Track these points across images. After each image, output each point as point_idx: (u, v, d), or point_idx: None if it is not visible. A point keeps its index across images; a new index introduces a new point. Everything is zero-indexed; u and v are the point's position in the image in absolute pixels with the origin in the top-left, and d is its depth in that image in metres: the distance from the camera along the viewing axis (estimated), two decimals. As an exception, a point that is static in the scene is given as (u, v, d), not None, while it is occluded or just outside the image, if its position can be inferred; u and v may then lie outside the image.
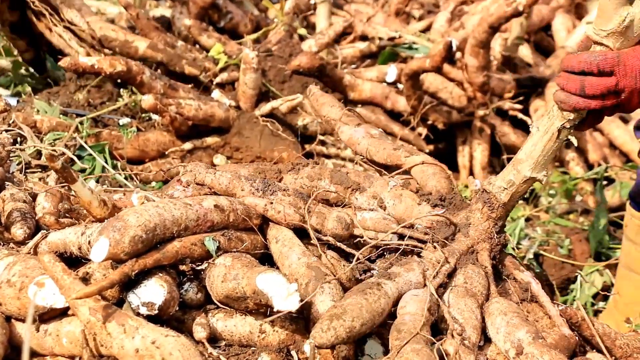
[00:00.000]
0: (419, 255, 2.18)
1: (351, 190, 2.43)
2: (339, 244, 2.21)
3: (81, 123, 3.60)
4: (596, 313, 3.47)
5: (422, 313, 1.90)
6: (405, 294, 2.01)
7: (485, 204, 2.20)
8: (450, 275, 2.13)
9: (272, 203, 2.24)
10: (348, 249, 2.21)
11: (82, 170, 3.31)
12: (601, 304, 3.67)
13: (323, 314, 1.93)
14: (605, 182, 4.50)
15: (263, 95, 4.19)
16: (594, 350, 2.08)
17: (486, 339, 2.03)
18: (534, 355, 1.84)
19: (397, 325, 1.89)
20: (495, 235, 2.22)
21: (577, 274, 3.71)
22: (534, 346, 1.86)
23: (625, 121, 5.00)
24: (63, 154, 2.93)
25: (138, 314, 1.93)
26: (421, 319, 1.88)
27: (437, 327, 2.00)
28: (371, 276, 2.14)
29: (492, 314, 2.02)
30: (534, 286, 2.17)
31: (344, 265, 2.16)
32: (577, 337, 2.02)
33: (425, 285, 2.05)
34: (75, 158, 2.55)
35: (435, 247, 2.16)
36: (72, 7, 4.02)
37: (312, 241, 2.21)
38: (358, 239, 2.25)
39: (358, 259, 2.13)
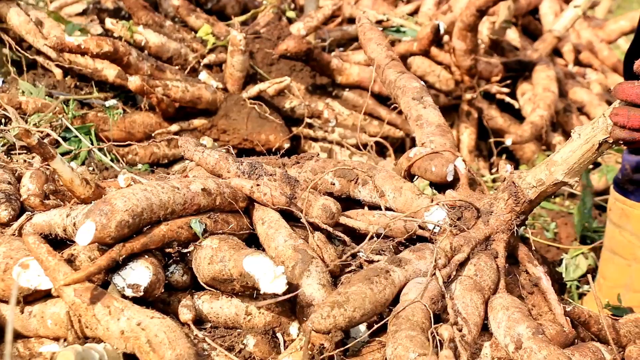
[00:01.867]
0: (434, 241, 2.18)
1: (354, 183, 2.43)
2: (325, 226, 2.22)
3: (67, 105, 3.58)
4: (581, 296, 3.50)
5: (424, 301, 1.89)
6: (411, 281, 2.00)
7: (511, 196, 2.17)
8: (462, 263, 2.11)
9: (258, 185, 2.24)
10: (336, 232, 2.21)
11: (68, 153, 3.29)
12: (586, 287, 3.69)
13: (310, 297, 1.94)
14: (591, 166, 4.52)
15: (250, 78, 4.17)
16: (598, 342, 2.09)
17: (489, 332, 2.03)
18: (532, 350, 1.84)
19: (397, 311, 1.88)
20: (516, 228, 2.20)
21: (562, 257, 3.73)
22: (533, 341, 1.86)
23: (612, 105, 5.01)
24: (48, 135, 2.92)
25: (123, 296, 1.93)
26: (421, 306, 1.88)
27: (440, 318, 1.98)
28: (360, 264, 2.14)
29: (495, 308, 2.01)
30: (544, 282, 2.16)
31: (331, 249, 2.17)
32: (575, 332, 2.03)
33: (434, 273, 2.03)
34: (60, 140, 2.52)
35: (452, 232, 2.14)
36: (38, 36, 3.86)
37: (299, 224, 2.21)
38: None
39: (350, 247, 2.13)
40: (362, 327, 1.98)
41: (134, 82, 3.55)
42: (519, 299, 2.13)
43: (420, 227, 2.23)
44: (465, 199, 2.23)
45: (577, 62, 5.56)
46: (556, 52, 5.42)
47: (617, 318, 2.18)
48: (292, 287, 1.93)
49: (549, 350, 1.82)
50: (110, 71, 3.89)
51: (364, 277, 1.91)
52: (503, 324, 1.95)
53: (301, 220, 2.22)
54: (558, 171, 2.10)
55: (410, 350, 1.73)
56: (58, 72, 3.95)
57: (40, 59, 3.95)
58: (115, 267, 1.94)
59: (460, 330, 1.88)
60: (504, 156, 4.66)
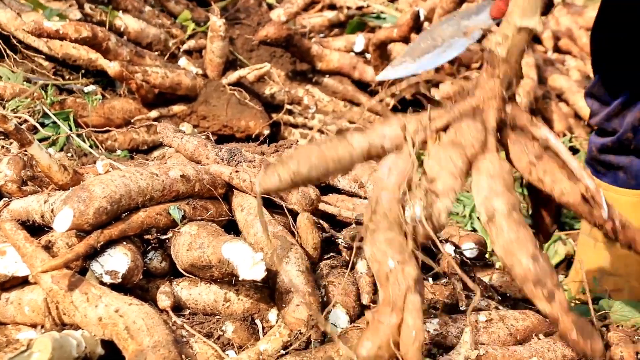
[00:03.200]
0: None
1: None
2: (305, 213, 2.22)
3: (45, 90, 3.55)
4: (558, 282, 3.52)
5: (400, 190, 1.77)
6: (385, 158, 1.84)
7: (486, 62, 2.01)
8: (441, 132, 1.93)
9: (237, 172, 2.24)
10: (315, 219, 2.21)
11: (46, 138, 3.27)
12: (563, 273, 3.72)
13: (288, 283, 1.94)
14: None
15: (230, 64, 4.16)
16: None
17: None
18: (502, 229, 1.77)
19: (372, 205, 1.76)
20: (505, 93, 2.00)
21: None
22: (505, 220, 1.78)
23: (591, 92, 5.04)
24: (26, 120, 2.90)
25: (101, 283, 1.92)
26: (398, 198, 1.75)
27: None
28: (338, 251, 2.14)
29: (480, 172, 1.88)
30: (553, 141, 1.97)
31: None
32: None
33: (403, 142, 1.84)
34: (38, 125, 2.51)
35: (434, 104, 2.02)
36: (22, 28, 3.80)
37: (278, 210, 2.22)
38: None
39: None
40: (343, 315, 1.99)
41: (113, 67, 3.53)
42: (529, 165, 1.97)
43: None
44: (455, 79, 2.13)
45: (557, 49, 5.58)
46: (535, 39, 5.43)
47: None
48: (270, 273, 1.94)
49: (517, 235, 1.76)
50: (105, 61, 3.82)
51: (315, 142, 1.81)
52: (483, 193, 1.84)
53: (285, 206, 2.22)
54: (513, 17, 1.96)
55: (389, 254, 1.67)
56: (47, 64, 3.91)
57: (29, 53, 3.89)
58: (94, 253, 1.93)
59: (431, 183, 1.77)
60: (483, 143, 4.67)
